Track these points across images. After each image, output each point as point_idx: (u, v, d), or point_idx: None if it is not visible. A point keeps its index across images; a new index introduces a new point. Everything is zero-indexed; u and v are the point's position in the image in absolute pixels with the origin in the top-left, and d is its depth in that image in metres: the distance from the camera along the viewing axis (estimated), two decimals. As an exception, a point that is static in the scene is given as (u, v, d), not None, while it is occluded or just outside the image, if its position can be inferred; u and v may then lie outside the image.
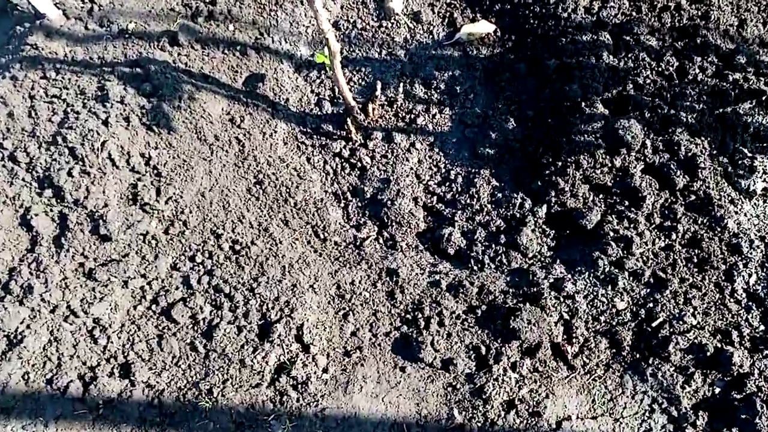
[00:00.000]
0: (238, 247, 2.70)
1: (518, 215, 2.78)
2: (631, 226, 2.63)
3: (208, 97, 3.09)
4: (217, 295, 2.57)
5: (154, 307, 2.57)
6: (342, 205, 2.98)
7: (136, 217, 2.70)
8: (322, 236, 2.84)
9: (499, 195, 2.88)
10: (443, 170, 3.04)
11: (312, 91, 3.31)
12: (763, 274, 2.52)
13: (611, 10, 3.08)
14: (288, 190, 2.93)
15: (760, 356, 2.36)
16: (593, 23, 3.07)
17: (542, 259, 2.70)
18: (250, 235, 2.75)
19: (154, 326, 2.53)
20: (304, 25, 3.43)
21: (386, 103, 3.22)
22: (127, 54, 3.18)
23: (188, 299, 2.56)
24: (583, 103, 2.88)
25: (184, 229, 2.73)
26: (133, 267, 2.61)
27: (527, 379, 2.42)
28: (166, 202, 2.77)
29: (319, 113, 3.23)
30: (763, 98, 2.90)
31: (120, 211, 2.70)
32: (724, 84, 2.87)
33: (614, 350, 2.47)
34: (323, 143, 3.15)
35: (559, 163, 2.81)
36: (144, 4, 3.40)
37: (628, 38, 3.00)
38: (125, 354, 2.49)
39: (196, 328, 2.52)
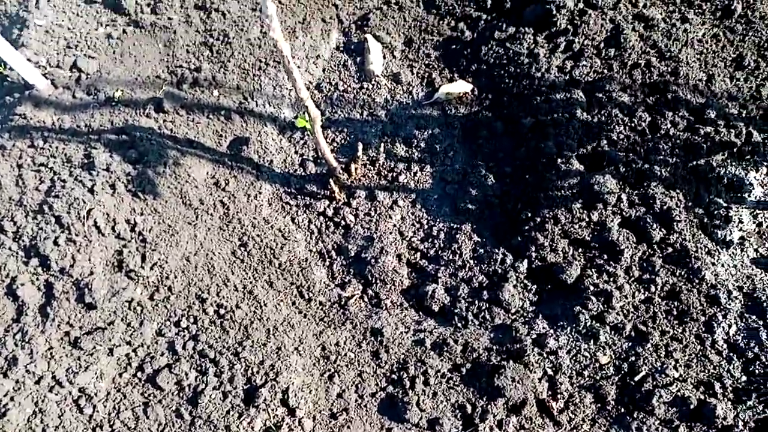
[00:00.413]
0: (222, 311, 2.71)
1: (500, 271, 2.82)
2: (611, 279, 2.67)
3: (193, 162, 3.15)
4: (203, 360, 2.58)
5: (139, 374, 2.57)
6: (327, 264, 3.01)
7: (122, 284, 2.72)
8: (306, 296, 2.87)
9: (481, 251, 2.92)
10: (426, 227, 3.09)
11: (296, 152, 3.38)
12: (743, 324, 2.55)
13: (583, 68, 3.20)
14: (272, 251, 2.96)
15: (743, 407, 2.37)
16: (566, 82, 3.18)
17: (525, 314, 2.73)
18: (234, 299, 2.77)
19: (139, 394, 2.52)
20: (287, 88, 3.52)
21: (368, 162, 3.30)
22: (114, 121, 3.26)
23: (174, 365, 2.56)
24: (559, 160, 2.96)
25: (169, 295, 2.75)
26: (119, 334, 2.61)
27: (514, 438, 2.42)
28: (151, 268, 2.79)
29: (303, 174, 3.30)
30: (735, 149, 2.99)
31: (105, 279, 2.72)
32: (696, 137, 2.96)
33: (599, 405, 2.48)
34: (307, 203, 3.20)
35: (538, 219, 2.87)
36: (130, 73, 3.50)
37: (600, 95, 3.11)
38: (111, 423, 2.47)
39: (181, 394, 2.51)
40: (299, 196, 3.22)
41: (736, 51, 3.22)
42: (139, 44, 3.68)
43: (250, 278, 2.86)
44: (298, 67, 3.59)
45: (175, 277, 2.80)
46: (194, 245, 2.90)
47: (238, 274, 2.87)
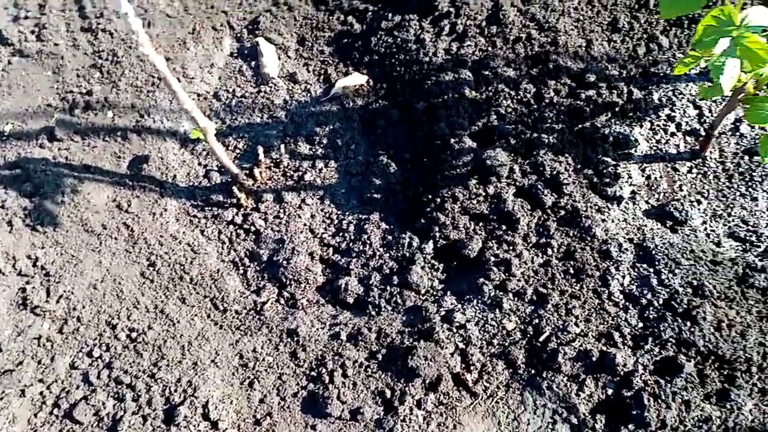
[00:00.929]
0: (135, 335, 2.70)
1: (408, 254, 2.89)
2: (510, 248, 2.77)
3: (93, 187, 3.11)
4: (119, 387, 2.57)
5: (56, 411, 2.54)
6: (240, 272, 3.03)
7: (27, 321, 2.68)
8: (221, 307, 2.88)
9: (389, 237, 2.98)
10: (335, 221, 3.13)
11: (200, 164, 3.37)
12: (635, 273, 2.69)
13: (468, 48, 3.28)
14: (183, 267, 2.96)
15: (642, 352, 2.50)
16: (454, 63, 3.26)
17: (434, 293, 2.81)
18: (146, 320, 2.76)
19: (57, 431, 2.50)
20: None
21: (273, 164, 3.32)
22: (6, 156, 3.19)
23: (90, 397, 2.54)
24: (452, 140, 3.04)
25: (79, 326, 2.72)
26: (29, 373, 2.58)
27: (434, 414, 2.49)
28: (58, 301, 2.76)
29: (208, 185, 3.29)
30: (617, 109, 3.12)
31: (10, 319, 2.67)
32: (579, 102, 3.09)
33: (511, 370, 2.58)
34: (216, 213, 3.20)
35: (438, 200, 2.94)
36: (20, 104, 3.42)
37: (486, 72, 3.20)
38: (32, 463, 2.45)
39: (101, 425, 2.50)
40: (207, 208, 3.22)
41: (611, 15, 3.36)
42: (27, 74, 3.59)
43: (161, 297, 2.86)
44: (192, 78, 3.57)
45: (83, 307, 2.77)
46: (100, 272, 2.88)
47: (148, 295, 2.86)
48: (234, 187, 3.14)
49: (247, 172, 3.24)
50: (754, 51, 2.14)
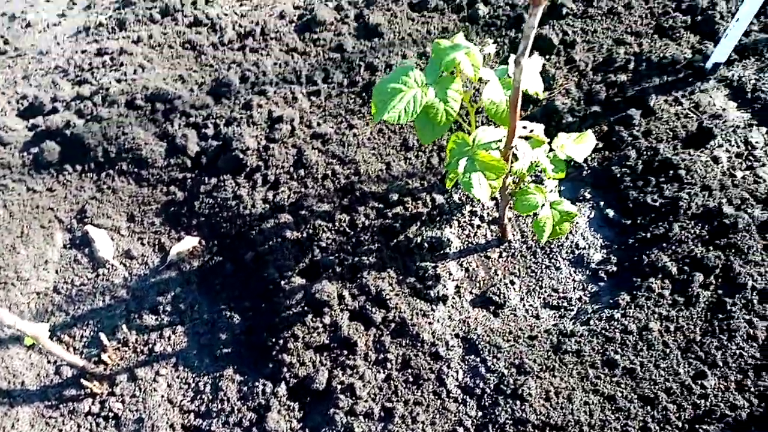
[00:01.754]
0: None
1: (263, 401, 2.99)
2: (353, 372, 2.95)
3: (-69, 420, 3.01)
4: None
5: None
6: (102, 464, 2.99)
7: None
8: None
9: (244, 388, 3.08)
10: (192, 385, 3.19)
11: (49, 362, 3.36)
12: (466, 366, 2.94)
13: (283, 194, 3.58)
14: (39, 478, 2.89)
15: (486, 439, 2.71)
16: (272, 210, 3.54)
17: (293, 434, 2.91)
18: None
19: None
20: (24, 302, 3.52)
21: (121, 344, 3.36)
22: None
23: None
24: (282, 282, 3.26)
25: None
26: None
27: None
28: None
29: (60, 380, 3.28)
30: (424, 217, 3.48)
31: None
32: (388, 220, 3.43)
33: (376, 491, 2.69)
34: (72, 408, 3.17)
35: (281, 341, 3.11)
36: None
37: (303, 212, 3.49)
38: None
39: None
40: (62, 405, 3.19)
41: (401, 137, 3.81)
42: None
43: None
44: (27, 279, 3.62)
45: None
46: None
47: None
48: (83, 380, 3.15)
49: (96, 359, 3.27)
50: (490, 164, 2.55)
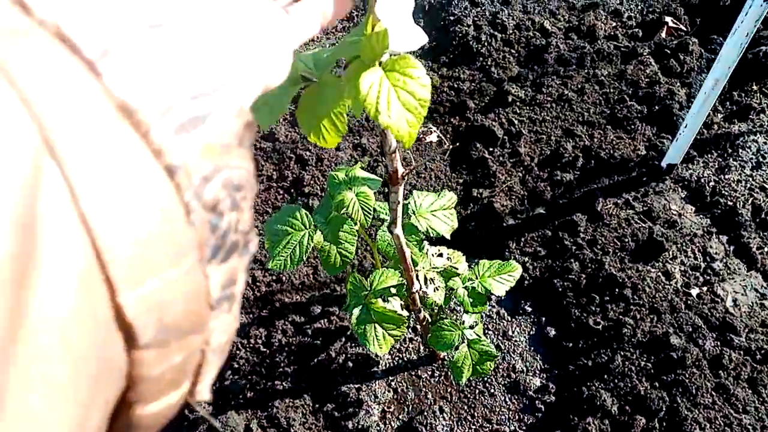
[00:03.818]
0: None
1: None
2: None
3: None
4: None
5: None
6: None
7: None
8: None
9: None
10: None
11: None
12: None
13: (197, 303, 3.30)
14: None
15: None
16: (184, 322, 3.25)
17: None
18: None
19: None
20: None
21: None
22: None
23: None
24: (186, 410, 2.96)
25: None
26: None
27: None
28: None
29: None
30: (349, 331, 3.19)
31: None
32: (307, 338, 3.13)
33: None
34: None
35: (178, 483, 2.81)
36: None
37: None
38: None
39: None
40: None
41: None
42: None
43: None
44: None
45: None
46: None
47: None
48: None
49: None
50: (387, 315, 2.26)
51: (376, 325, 2.27)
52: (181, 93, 0.36)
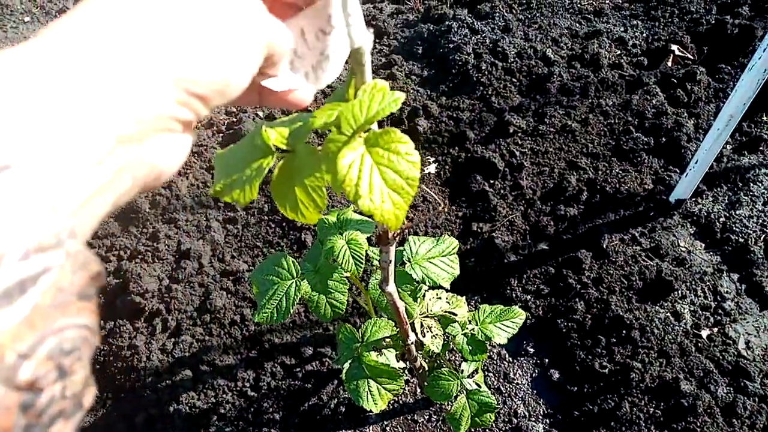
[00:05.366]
0: None
1: None
2: None
3: None
4: None
5: None
6: None
7: None
8: None
9: None
10: None
11: None
12: None
13: (184, 343, 3.15)
14: None
15: None
16: (171, 364, 3.10)
17: None
18: None
19: None
20: None
21: None
22: None
23: None
24: (168, 461, 2.80)
25: None
26: None
27: None
28: None
29: None
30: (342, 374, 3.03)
31: None
32: (298, 381, 2.98)
33: None
34: None
35: None
36: None
37: (204, 367, 3.05)
38: None
39: None
40: None
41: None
42: None
43: None
44: None
45: None
46: None
47: None
48: None
49: None
50: (380, 369, 2.11)
51: (370, 381, 2.12)
52: (11, 252, 0.32)
